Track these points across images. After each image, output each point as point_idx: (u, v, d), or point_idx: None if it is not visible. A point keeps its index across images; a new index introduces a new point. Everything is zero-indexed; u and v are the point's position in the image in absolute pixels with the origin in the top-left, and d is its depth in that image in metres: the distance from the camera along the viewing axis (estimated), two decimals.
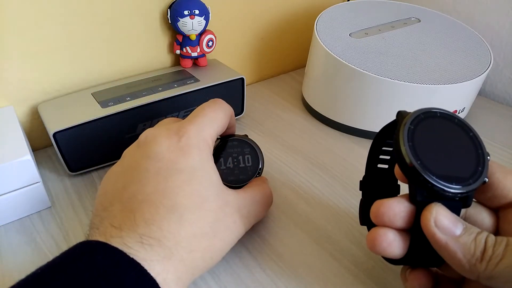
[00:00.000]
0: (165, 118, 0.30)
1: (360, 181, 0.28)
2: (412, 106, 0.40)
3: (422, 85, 0.36)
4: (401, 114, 0.21)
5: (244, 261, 0.28)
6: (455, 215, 0.19)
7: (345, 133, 0.43)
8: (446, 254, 0.19)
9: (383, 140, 0.26)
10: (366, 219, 0.26)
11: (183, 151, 0.22)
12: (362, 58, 0.39)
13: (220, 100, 0.28)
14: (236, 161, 0.31)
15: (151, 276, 0.18)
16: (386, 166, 0.27)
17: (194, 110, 0.26)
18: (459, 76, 0.38)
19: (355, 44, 0.41)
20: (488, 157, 0.20)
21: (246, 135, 0.33)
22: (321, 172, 0.37)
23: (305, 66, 0.48)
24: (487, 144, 0.42)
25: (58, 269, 0.18)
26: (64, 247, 0.29)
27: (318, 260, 0.28)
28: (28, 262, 0.28)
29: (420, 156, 0.19)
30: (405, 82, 0.36)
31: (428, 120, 0.20)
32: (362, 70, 0.37)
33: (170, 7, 0.40)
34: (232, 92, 0.42)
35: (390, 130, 0.21)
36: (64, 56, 0.38)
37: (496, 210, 0.21)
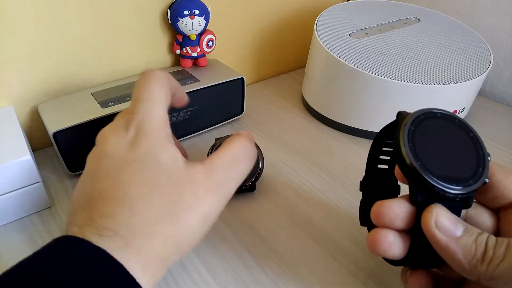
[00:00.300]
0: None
1: (360, 181, 0.28)
2: (412, 106, 0.40)
3: (422, 85, 0.36)
4: (401, 115, 0.21)
5: (244, 261, 0.28)
6: (456, 216, 0.19)
7: (345, 133, 0.43)
8: (446, 255, 0.19)
9: (383, 140, 0.26)
10: (366, 220, 0.26)
11: (129, 142, 0.22)
12: (362, 58, 0.39)
13: (148, 72, 0.25)
14: None
15: (117, 261, 0.18)
16: (387, 167, 0.27)
17: (132, 95, 0.25)
18: (459, 76, 0.38)
19: (355, 44, 0.41)
20: (489, 158, 0.20)
21: None
22: (321, 172, 0.37)
23: (305, 66, 0.48)
24: (487, 144, 0.42)
25: (26, 263, 0.18)
26: None
27: (318, 260, 0.28)
28: None
29: (420, 157, 0.19)
30: (405, 82, 0.36)
31: (428, 121, 0.20)
32: (362, 70, 0.37)
33: (170, 7, 0.40)
34: (232, 92, 0.42)
35: (390, 131, 0.21)
36: (64, 56, 0.38)
37: (497, 211, 0.21)
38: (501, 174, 0.20)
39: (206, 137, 0.42)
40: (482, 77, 0.39)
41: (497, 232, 0.21)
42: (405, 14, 0.48)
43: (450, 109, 0.40)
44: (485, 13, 0.50)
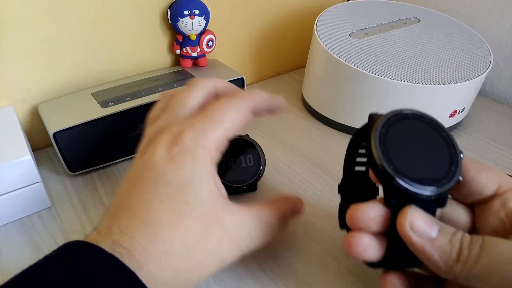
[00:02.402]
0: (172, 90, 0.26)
1: (338, 184, 0.27)
2: (411, 106, 0.40)
3: (422, 85, 0.36)
4: (372, 118, 0.21)
5: (244, 261, 0.28)
6: (431, 217, 0.19)
7: (345, 133, 0.43)
8: (423, 257, 0.19)
9: (359, 142, 0.26)
10: (345, 223, 0.26)
11: (174, 161, 0.21)
12: (362, 58, 0.39)
13: (238, 96, 0.24)
14: (238, 161, 0.31)
15: (128, 267, 0.18)
16: (364, 169, 0.26)
17: (207, 107, 0.23)
18: (459, 76, 0.38)
19: (355, 44, 0.41)
20: (462, 155, 0.20)
21: (247, 135, 0.33)
22: (321, 172, 0.37)
23: (305, 66, 0.48)
24: (487, 144, 0.42)
25: (33, 267, 0.18)
26: None
27: (318, 260, 0.28)
28: (28, 262, 0.28)
29: (392, 160, 0.19)
30: (405, 82, 0.36)
31: (399, 122, 0.20)
32: (362, 70, 0.37)
33: (170, 7, 0.40)
34: None
35: (365, 133, 0.21)
36: (64, 56, 0.38)
37: (472, 206, 0.21)
38: (474, 170, 0.20)
39: None
40: (482, 77, 0.39)
41: (473, 227, 0.21)
42: (405, 14, 0.48)
43: (450, 109, 0.40)
44: (485, 13, 0.50)
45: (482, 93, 0.53)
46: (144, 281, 0.18)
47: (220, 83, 0.26)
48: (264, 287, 0.26)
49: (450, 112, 0.40)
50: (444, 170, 0.19)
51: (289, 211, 0.25)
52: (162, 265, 0.19)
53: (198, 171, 0.21)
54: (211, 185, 0.21)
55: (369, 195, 0.26)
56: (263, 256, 0.28)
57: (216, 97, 0.26)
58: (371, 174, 0.20)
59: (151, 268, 0.19)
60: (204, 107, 0.24)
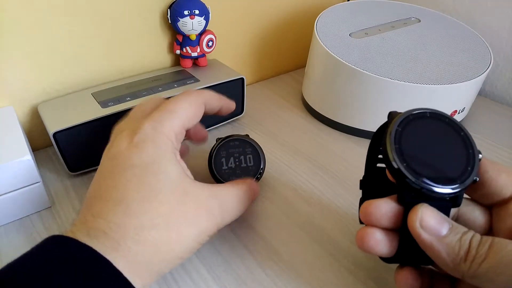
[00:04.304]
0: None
1: (360, 180, 0.28)
2: (412, 106, 0.40)
3: (422, 85, 0.36)
4: (391, 115, 0.21)
5: (244, 261, 0.28)
6: (442, 215, 0.19)
7: (345, 133, 0.43)
8: (431, 254, 0.19)
9: (381, 139, 0.26)
10: None
11: (137, 147, 0.22)
12: (362, 58, 0.39)
13: (189, 91, 0.27)
14: (238, 161, 0.31)
15: (104, 257, 0.19)
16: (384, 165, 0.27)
17: (161, 103, 0.26)
18: (459, 76, 0.38)
19: (355, 44, 0.41)
20: (480, 156, 0.20)
21: (247, 135, 0.33)
22: (321, 172, 0.37)
23: (305, 66, 0.48)
24: (487, 144, 0.42)
25: (14, 262, 0.18)
26: None
27: (318, 260, 0.28)
28: None
29: (406, 158, 0.19)
30: (405, 82, 0.36)
31: (417, 121, 0.20)
32: (362, 70, 0.37)
33: (170, 7, 0.40)
34: (232, 92, 0.42)
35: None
36: (64, 56, 0.38)
37: (490, 208, 0.21)
38: (494, 171, 0.20)
39: None
40: (482, 77, 0.39)
41: (490, 229, 0.21)
42: (405, 14, 0.48)
43: (450, 109, 0.40)
44: (485, 13, 0.50)
45: (482, 93, 0.53)
46: (123, 259, 0.19)
47: (181, 122, 0.27)
48: (264, 287, 0.26)
49: (450, 112, 0.40)
50: (460, 170, 0.19)
51: (249, 186, 0.27)
52: (140, 238, 0.20)
53: (162, 153, 0.22)
54: (178, 166, 0.23)
55: (389, 191, 0.26)
56: (263, 256, 0.28)
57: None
58: (388, 171, 0.20)
59: (129, 244, 0.19)
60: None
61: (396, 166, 0.19)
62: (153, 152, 0.22)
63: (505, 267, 0.17)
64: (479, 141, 0.43)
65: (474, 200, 0.22)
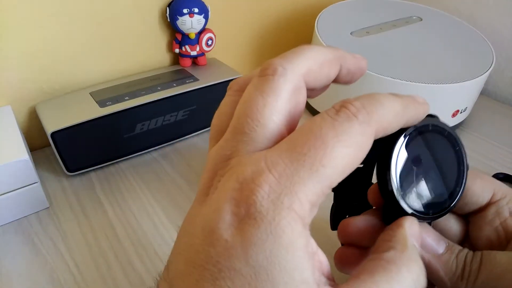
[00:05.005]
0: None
1: None
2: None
3: (424, 84, 0.36)
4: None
5: None
6: (438, 234, 0.19)
7: None
8: (428, 272, 0.18)
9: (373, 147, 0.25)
10: (337, 224, 0.25)
11: (242, 233, 0.13)
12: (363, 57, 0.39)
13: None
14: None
15: None
16: (361, 165, 0.26)
17: (295, 133, 0.14)
18: (461, 75, 0.37)
19: (356, 43, 0.41)
20: (467, 169, 0.19)
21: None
22: None
23: None
24: (489, 144, 0.42)
25: None
26: (62, 248, 0.29)
27: None
28: (26, 263, 0.28)
29: (403, 183, 0.18)
30: (406, 82, 0.36)
31: (419, 138, 0.19)
32: None
33: (169, 5, 0.40)
34: None
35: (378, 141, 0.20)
36: (62, 55, 0.37)
37: (466, 216, 0.21)
38: (469, 179, 0.20)
39: (206, 137, 0.42)
40: (484, 76, 0.39)
41: (466, 237, 0.21)
42: (406, 13, 0.47)
43: (452, 108, 0.39)
44: (487, 12, 0.50)
45: (484, 93, 0.53)
46: None
47: (314, 62, 0.17)
48: None
49: (453, 112, 0.40)
50: (449, 192, 0.19)
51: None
52: None
53: (281, 253, 0.13)
54: (301, 276, 0.13)
55: (363, 191, 0.26)
56: None
57: (312, 91, 0.17)
58: (371, 193, 0.20)
59: None
60: (290, 126, 0.15)
61: (392, 192, 0.18)
62: (266, 251, 0.13)
63: (498, 280, 0.17)
64: (482, 141, 0.42)
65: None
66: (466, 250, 0.18)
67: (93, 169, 0.37)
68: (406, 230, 0.16)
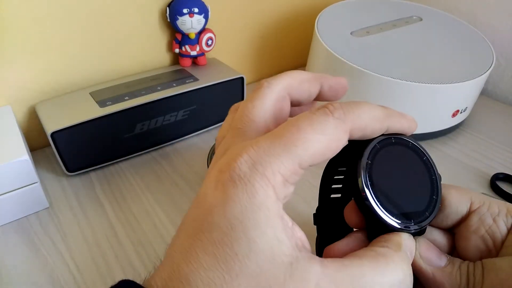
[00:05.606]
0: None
1: (314, 214, 0.26)
2: (413, 106, 0.40)
3: (424, 84, 0.36)
4: (353, 144, 0.19)
5: None
6: (438, 248, 0.19)
7: None
8: (433, 285, 0.18)
9: (335, 168, 0.25)
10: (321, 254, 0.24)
11: (223, 193, 0.15)
12: (363, 57, 0.38)
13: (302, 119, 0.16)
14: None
15: None
16: (339, 195, 0.25)
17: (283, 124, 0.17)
18: (461, 75, 0.37)
19: (356, 42, 0.41)
20: (440, 179, 0.19)
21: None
22: (321, 172, 0.37)
23: (305, 65, 0.48)
24: (489, 144, 0.42)
25: None
26: (62, 248, 0.29)
27: None
28: (26, 263, 0.28)
29: (380, 197, 0.17)
30: (406, 81, 0.36)
31: (384, 150, 0.19)
32: (363, 69, 0.37)
33: (169, 5, 0.40)
34: (232, 92, 0.42)
35: (341, 157, 0.19)
36: (62, 55, 0.37)
37: (451, 230, 0.21)
38: (444, 189, 0.19)
39: (206, 137, 0.42)
40: (484, 76, 0.39)
41: (452, 248, 0.20)
42: (406, 13, 0.47)
43: (452, 108, 0.39)
44: (487, 12, 0.50)
45: (484, 93, 0.53)
46: None
47: (294, 79, 0.19)
48: None
49: (453, 112, 0.40)
50: (427, 201, 0.19)
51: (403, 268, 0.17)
52: None
53: (254, 210, 0.14)
54: (274, 233, 0.15)
55: (345, 224, 0.25)
56: None
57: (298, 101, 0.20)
58: (348, 213, 0.19)
59: None
60: (276, 126, 0.18)
61: (372, 208, 0.17)
62: (241, 207, 0.15)
63: (503, 285, 0.17)
64: (482, 141, 0.42)
65: (432, 225, 0.21)
66: (467, 262, 0.18)
67: (93, 169, 0.37)
68: (402, 236, 0.17)
